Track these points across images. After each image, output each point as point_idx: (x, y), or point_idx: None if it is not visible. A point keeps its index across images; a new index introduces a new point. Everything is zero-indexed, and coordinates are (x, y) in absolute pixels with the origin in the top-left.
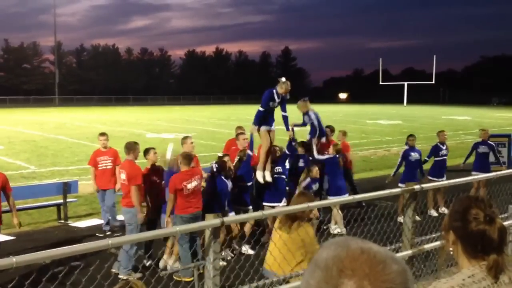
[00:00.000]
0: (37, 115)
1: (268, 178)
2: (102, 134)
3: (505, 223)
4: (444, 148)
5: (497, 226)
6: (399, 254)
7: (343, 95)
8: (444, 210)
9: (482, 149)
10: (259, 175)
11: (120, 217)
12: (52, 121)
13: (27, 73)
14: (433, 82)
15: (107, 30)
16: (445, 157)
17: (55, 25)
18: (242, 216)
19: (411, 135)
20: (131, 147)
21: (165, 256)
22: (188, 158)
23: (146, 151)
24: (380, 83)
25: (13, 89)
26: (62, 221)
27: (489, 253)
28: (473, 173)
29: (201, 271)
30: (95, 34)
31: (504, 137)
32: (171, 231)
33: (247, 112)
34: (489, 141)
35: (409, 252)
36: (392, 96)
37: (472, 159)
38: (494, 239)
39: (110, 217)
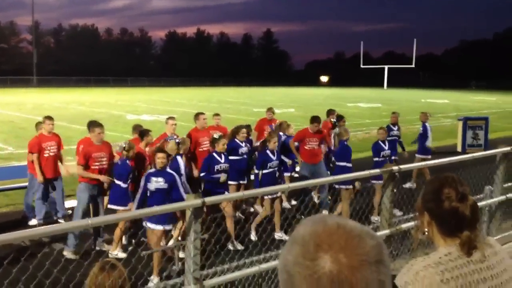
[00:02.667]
0: (14, 95)
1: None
2: (49, 117)
3: (482, 203)
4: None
5: (469, 203)
6: (377, 233)
7: (324, 78)
8: None
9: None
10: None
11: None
12: (30, 102)
13: (4, 53)
14: (413, 65)
15: (86, 10)
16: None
17: (32, 4)
18: (224, 196)
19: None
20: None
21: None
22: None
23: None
24: (361, 66)
25: None
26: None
27: (462, 230)
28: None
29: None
30: (73, 13)
31: (481, 120)
32: (151, 211)
33: (228, 95)
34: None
35: (386, 231)
36: (372, 79)
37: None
38: (467, 215)
39: (57, 207)
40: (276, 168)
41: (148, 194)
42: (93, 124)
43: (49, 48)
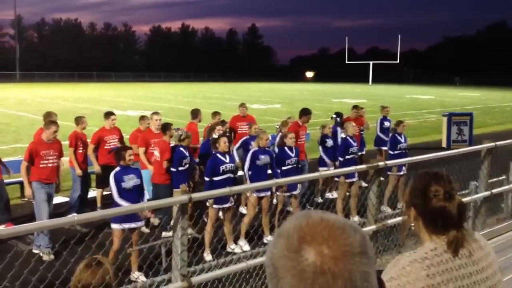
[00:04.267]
0: None
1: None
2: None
3: (467, 199)
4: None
5: (456, 202)
6: (363, 229)
7: (309, 74)
8: None
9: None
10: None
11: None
12: (13, 97)
13: None
14: (398, 61)
15: (69, 4)
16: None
17: None
18: (211, 192)
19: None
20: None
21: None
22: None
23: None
24: (346, 62)
25: None
26: (26, 199)
27: (449, 229)
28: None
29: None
30: (56, 8)
31: (465, 115)
32: (139, 207)
33: (214, 90)
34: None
35: (373, 227)
36: (357, 75)
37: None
38: (454, 215)
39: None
40: (294, 165)
41: (124, 193)
42: (51, 122)
43: (32, 43)
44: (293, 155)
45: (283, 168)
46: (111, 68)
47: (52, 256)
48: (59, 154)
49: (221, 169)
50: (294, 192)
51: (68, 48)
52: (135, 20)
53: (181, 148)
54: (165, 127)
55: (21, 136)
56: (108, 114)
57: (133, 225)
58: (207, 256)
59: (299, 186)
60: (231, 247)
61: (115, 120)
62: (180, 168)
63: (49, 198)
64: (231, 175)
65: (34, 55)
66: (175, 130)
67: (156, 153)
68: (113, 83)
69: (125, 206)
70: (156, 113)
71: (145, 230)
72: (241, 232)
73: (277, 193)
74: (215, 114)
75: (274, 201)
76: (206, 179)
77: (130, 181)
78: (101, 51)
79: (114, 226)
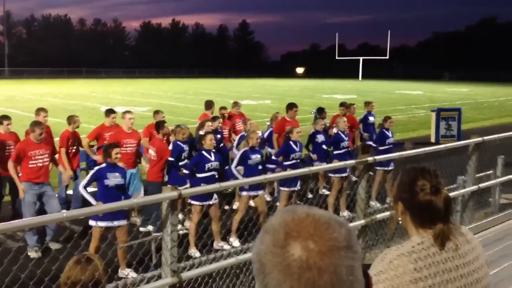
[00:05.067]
0: None
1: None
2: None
3: (455, 193)
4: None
5: (443, 196)
6: (352, 224)
7: (300, 70)
8: None
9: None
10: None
11: None
12: (1, 94)
13: None
14: (387, 57)
15: (58, 0)
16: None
17: None
18: (200, 188)
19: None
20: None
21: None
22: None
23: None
24: (337, 57)
25: None
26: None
27: (435, 222)
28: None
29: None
30: (46, 3)
31: (454, 111)
32: (128, 204)
33: (205, 86)
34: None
35: (362, 221)
36: (348, 71)
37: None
38: (440, 209)
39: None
40: (299, 160)
41: (101, 192)
42: (35, 124)
43: (21, 39)
44: (297, 149)
45: (287, 162)
46: (101, 64)
47: (39, 254)
48: (50, 152)
49: (206, 167)
50: (294, 189)
51: (57, 44)
52: (125, 15)
53: (179, 142)
54: (159, 126)
55: None
56: (109, 112)
57: (115, 223)
58: (195, 253)
59: (299, 183)
60: (219, 244)
61: (116, 118)
62: (181, 163)
63: (40, 198)
64: (215, 173)
65: (23, 52)
66: (177, 126)
67: (151, 152)
68: (103, 79)
69: (114, 203)
70: (128, 111)
71: (138, 221)
72: (232, 230)
73: (281, 188)
74: (221, 108)
75: (268, 198)
76: (185, 172)
77: (114, 179)
78: (91, 47)
79: (91, 222)
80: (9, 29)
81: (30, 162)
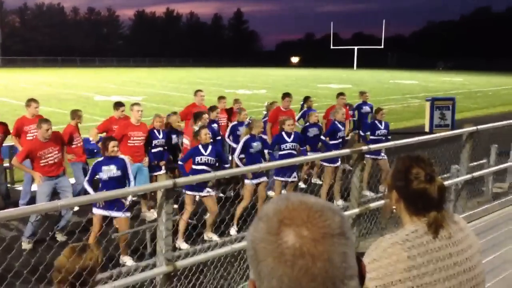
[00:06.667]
0: None
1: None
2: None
3: (448, 182)
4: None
5: (437, 184)
6: (347, 213)
7: (295, 59)
8: None
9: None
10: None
11: None
12: None
13: None
14: (382, 46)
15: None
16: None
17: None
18: (197, 177)
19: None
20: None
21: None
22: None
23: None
24: (331, 47)
25: None
26: (9, 185)
27: (429, 210)
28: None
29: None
30: None
31: (448, 100)
32: (127, 191)
33: (199, 75)
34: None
35: (356, 210)
36: (342, 60)
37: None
38: (434, 197)
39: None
40: (291, 151)
41: (100, 185)
42: (41, 121)
43: (14, 28)
44: (289, 140)
45: (280, 153)
46: (95, 53)
47: (31, 245)
48: (59, 148)
49: (196, 160)
50: (288, 179)
51: (51, 33)
52: (119, 4)
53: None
54: (197, 116)
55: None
56: (118, 105)
57: (113, 213)
58: (182, 244)
59: (294, 173)
60: (209, 235)
61: (124, 111)
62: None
63: (55, 190)
64: (208, 168)
65: (17, 40)
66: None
67: (186, 141)
68: (96, 68)
69: (110, 191)
70: (136, 104)
71: (149, 216)
72: (234, 217)
73: (275, 177)
74: (220, 98)
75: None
76: (180, 163)
77: (107, 172)
78: (85, 36)
79: (94, 210)
80: (2, 18)
81: (41, 161)
